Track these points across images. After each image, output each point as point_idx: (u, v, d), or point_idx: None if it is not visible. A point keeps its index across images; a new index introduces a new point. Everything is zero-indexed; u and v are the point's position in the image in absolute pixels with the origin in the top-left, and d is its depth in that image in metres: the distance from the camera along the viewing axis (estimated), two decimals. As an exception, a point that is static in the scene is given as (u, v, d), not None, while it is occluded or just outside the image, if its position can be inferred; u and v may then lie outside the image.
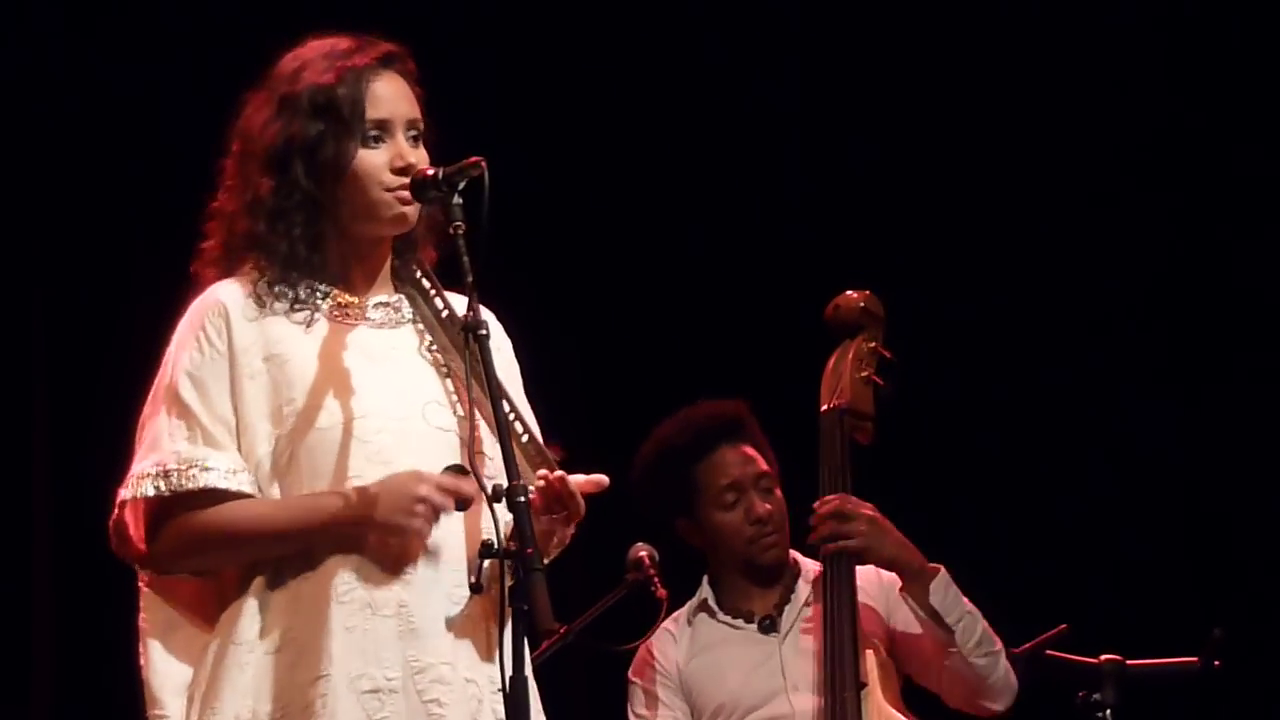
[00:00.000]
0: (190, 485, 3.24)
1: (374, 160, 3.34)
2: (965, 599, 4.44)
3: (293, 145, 3.35)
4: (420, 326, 3.38)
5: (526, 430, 3.27)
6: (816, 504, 4.45)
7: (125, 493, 3.27)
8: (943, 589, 4.42)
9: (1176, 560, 5.85)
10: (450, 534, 3.28)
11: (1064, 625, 4.51)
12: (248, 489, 3.26)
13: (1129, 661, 4.45)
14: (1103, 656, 4.45)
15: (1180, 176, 5.97)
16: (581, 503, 3.24)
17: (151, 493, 3.25)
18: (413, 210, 3.33)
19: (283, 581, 3.26)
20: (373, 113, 3.35)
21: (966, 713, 4.54)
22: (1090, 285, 6.00)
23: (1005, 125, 6.00)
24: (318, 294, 3.36)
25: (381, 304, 3.39)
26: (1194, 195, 5.98)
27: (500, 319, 3.46)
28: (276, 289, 3.34)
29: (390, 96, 3.36)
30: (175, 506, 3.26)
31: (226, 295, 3.34)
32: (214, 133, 5.62)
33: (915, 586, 4.43)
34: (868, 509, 4.42)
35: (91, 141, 5.65)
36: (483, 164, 3.28)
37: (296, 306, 3.34)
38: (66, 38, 5.66)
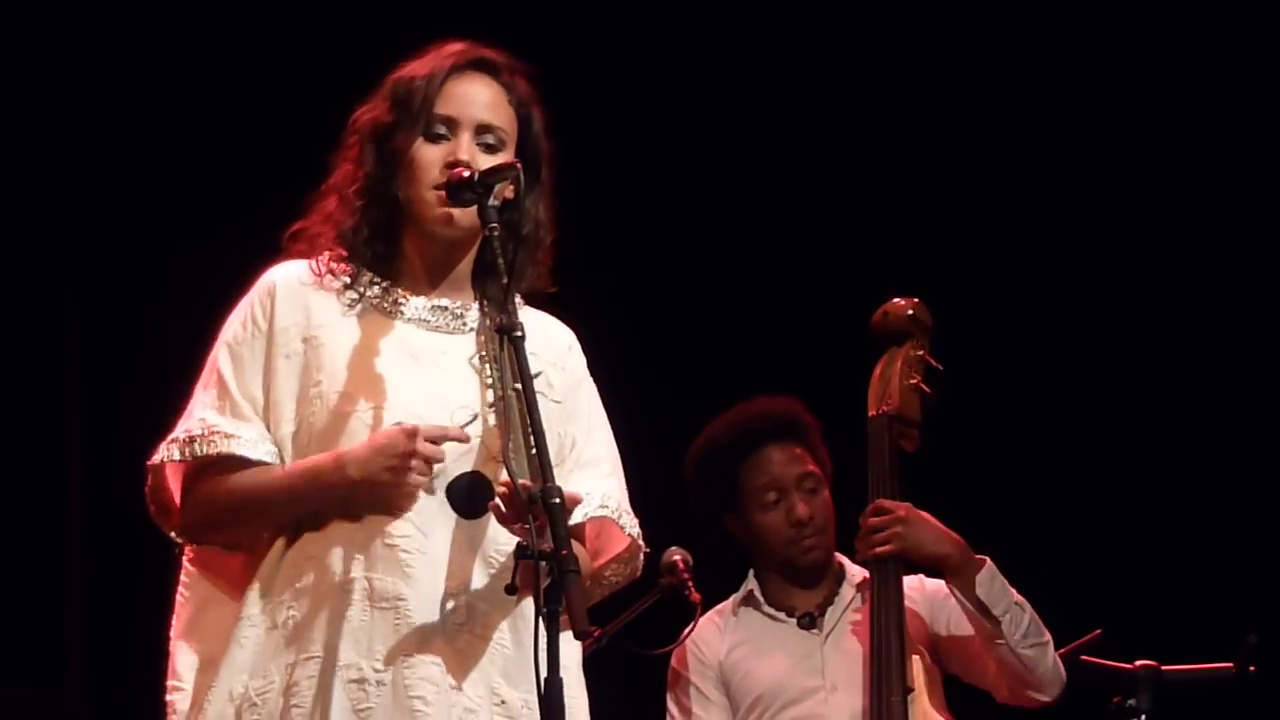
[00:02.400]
0: (210, 451, 3.27)
1: (429, 155, 3.35)
2: (1012, 590, 4.44)
3: (369, 132, 3.39)
4: (484, 338, 3.37)
5: (537, 445, 3.20)
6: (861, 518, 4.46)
7: (155, 458, 3.32)
8: (988, 580, 4.42)
9: (1212, 565, 5.83)
10: (455, 538, 3.28)
11: (1099, 630, 4.50)
12: (269, 460, 3.29)
13: (1164, 667, 4.44)
14: (1138, 661, 4.44)
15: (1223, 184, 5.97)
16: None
17: (177, 458, 3.30)
18: (459, 212, 3.32)
19: (293, 562, 3.28)
20: (441, 109, 3.36)
21: (1014, 706, 4.54)
22: (1125, 293, 5.99)
23: (1055, 136, 5.99)
24: (374, 284, 3.37)
25: (441, 308, 3.38)
26: (1230, 200, 5.97)
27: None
28: (337, 269, 3.37)
29: (464, 97, 3.37)
30: (201, 474, 3.30)
31: (280, 276, 3.38)
32: (239, 128, 5.69)
33: (960, 579, 4.42)
34: (901, 509, 4.43)
35: (122, 138, 5.67)
36: (519, 166, 3.29)
37: (348, 290, 3.36)
38: (103, 32, 5.68)
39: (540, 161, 3.42)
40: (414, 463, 3.19)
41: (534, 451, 3.16)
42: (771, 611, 4.62)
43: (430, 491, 3.24)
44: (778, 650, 4.56)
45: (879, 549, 4.42)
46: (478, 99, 3.38)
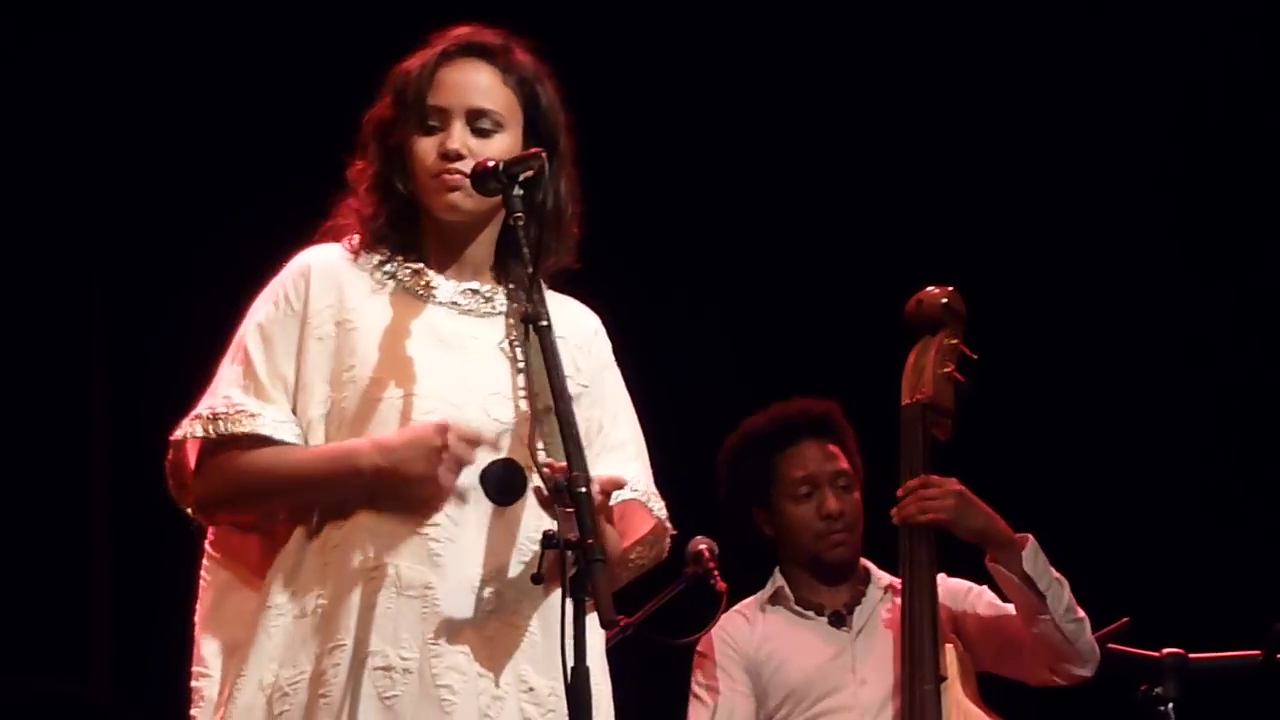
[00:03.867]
0: (235, 429, 3.26)
1: (422, 146, 3.34)
2: (1052, 569, 4.43)
3: (374, 128, 3.40)
4: (512, 321, 3.35)
5: (563, 433, 3.17)
6: (900, 492, 4.44)
7: (177, 433, 3.32)
8: (1033, 556, 4.41)
9: (1239, 553, 5.82)
10: (486, 523, 3.27)
11: (1126, 619, 4.49)
12: (291, 440, 3.28)
13: (1191, 655, 4.43)
14: (1165, 650, 4.44)
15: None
16: (596, 498, 3.13)
17: (199, 434, 3.29)
18: (462, 198, 3.31)
19: (319, 549, 3.27)
20: (432, 99, 3.35)
21: (1047, 686, 4.52)
22: (1153, 280, 5.97)
23: (1092, 124, 5.97)
24: (405, 268, 3.37)
25: (471, 291, 3.38)
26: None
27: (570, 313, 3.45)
28: (367, 254, 3.37)
29: (453, 85, 3.35)
30: (219, 449, 3.29)
31: (314, 259, 3.38)
32: (270, 118, 5.69)
33: (1007, 555, 4.41)
34: (952, 483, 4.42)
35: (150, 127, 5.68)
36: (543, 155, 3.27)
37: (380, 274, 3.36)
38: (131, 28, 5.69)
39: (556, 134, 3.40)
40: (441, 457, 3.18)
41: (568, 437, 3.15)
42: (800, 610, 4.62)
43: (456, 494, 3.23)
44: (808, 647, 4.56)
45: (929, 515, 4.39)
46: (468, 84, 3.35)
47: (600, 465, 3.30)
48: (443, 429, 3.19)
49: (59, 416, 5.61)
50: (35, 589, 5.52)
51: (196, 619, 3.36)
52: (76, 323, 5.68)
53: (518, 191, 3.26)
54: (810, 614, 4.61)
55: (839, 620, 4.59)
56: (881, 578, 4.63)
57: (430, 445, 3.18)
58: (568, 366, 3.28)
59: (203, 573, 3.38)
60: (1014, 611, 4.48)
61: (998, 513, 4.48)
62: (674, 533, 3.49)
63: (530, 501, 3.22)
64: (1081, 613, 4.45)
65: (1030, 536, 4.43)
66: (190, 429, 3.30)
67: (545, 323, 3.19)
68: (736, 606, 4.62)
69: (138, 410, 5.49)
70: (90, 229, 5.69)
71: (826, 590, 4.63)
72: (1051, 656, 4.46)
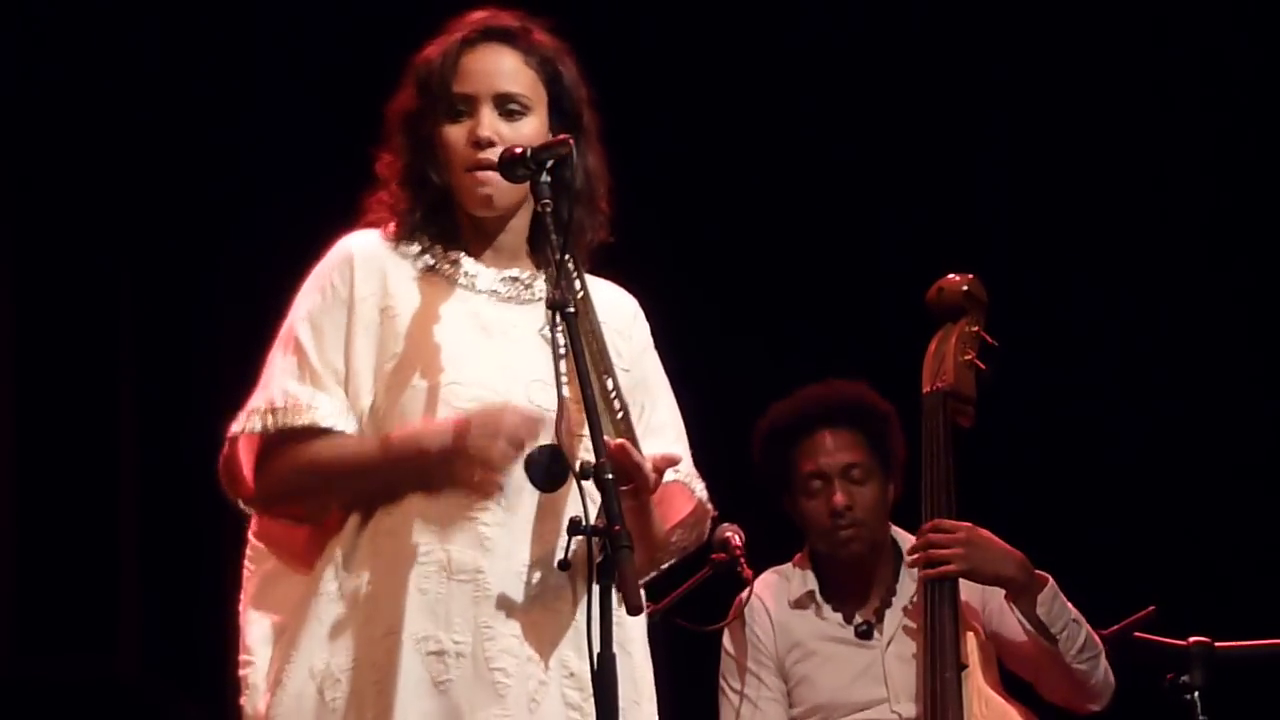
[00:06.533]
0: (294, 422, 3.25)
1: (453, 135, 3.34)
2: (1070, 605, 4.42)
3: (400, 120, 3.38)
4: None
5: (623, 408, 3.22)
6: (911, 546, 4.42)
7: (235, 427, 3.30)
8: (1049, 600, 4.39)
9: (1266, 541, 5.80)
10: (534, 508, 3.26)
11: (1152, 607, 4.48)
12: (349, 430, 3.27)
13: (1217, 643, 4.41)
14: (1191, 638, 4.41)
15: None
16: (650, 475, 3.18)
17: (258, 427, 3.27)
18: (495, 188, 3.30)
19: (370, 536, 3.26)
20: (458, 87, 3.34)
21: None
22: (1182, 273, 5.96)
23: (1111, 115, 5.96)
24: (445, 259, 3.36)
25: (511, 279, 3.38)
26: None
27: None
28: (406, 243, 3.36)
29: (478, 70, 3.34)
30: (280, 443, 3.28)
31: (355, 245, 3.37)
32: (295, 111, 5.70)
33: (1023, 600, 4.39)
34: (963, 529, 4.38)
35: (176, 121, 5.69)
36: (571, 142, 3.26)
37: (420, 262, 3.35)
38: (160, 23, 5.71)
39: (580, 111, 3.39)
40: (501, 443, 3.16)
41: (619, 419, 3.16)
42: (829, 617, 4.59)
43: (507, 479, 3.23)
44: (838, 660, 4.54)
45: (941, 569, 4.36)
46: (492, 69, 3.34)
47: (642, 448, 3.26)
48: (508, 408, 3.18)
49: (86, 395, 5.62)
50: (62, 567, 5.54)
51: (241, 607, 3.35)
52: (105, 307, 5.69)
53: (545, 178, 3.25)
54: (839, 619, 4.58)
55: (868, 630, 4.56)
56: None
57: (500, 424, 3.16)
58: (609, 351, 3.29)
59: (246, 561, 3.37)
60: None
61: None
62: (714, 514, 3.48)
63: (575, 488, 3.18)
64: (1099, 647, 4.44)
65: (1049, 579, 4.41)
66: (248, 423, 3.28)
67: (572, 309, 3.18)
68: (762, 592, 4.58)
69: (164, 390, 5.52)
70: (119, 221, 5.70)
71: (859, 586, 4.59)
72: (1065, 691, 4.48)
